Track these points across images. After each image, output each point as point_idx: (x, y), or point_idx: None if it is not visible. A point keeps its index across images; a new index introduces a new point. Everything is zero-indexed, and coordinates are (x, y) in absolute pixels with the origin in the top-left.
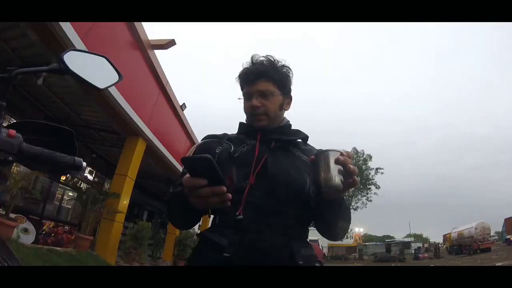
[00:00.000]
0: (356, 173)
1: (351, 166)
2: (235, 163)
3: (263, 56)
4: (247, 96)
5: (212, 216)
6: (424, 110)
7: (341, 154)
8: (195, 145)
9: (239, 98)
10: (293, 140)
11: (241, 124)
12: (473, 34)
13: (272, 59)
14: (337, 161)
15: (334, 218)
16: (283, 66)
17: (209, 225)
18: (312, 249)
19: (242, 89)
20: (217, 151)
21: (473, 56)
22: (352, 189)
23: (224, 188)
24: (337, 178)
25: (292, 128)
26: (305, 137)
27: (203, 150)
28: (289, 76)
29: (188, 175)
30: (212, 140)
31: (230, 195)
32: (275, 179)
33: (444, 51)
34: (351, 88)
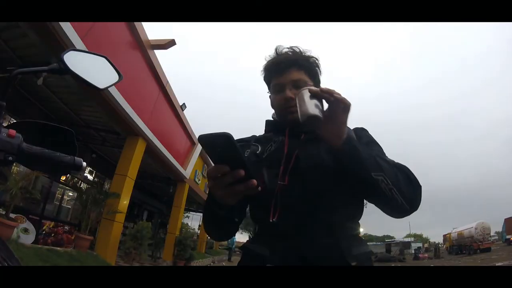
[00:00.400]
0: (333, 91)
1: (325, 88)
2: (264, 164)
3: (287, 47)
4: (278, 88)
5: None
6: (424, 110)
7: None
8: None
9: (268, 92)
10: None
11: (267, 122)
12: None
13: (299, 49)
14: (312, 95)
15: (363, 169)
16: (310, 56)
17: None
18: (367, 246)
19: (269, 81)
20: (245, 155)
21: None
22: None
23: (242, 172)
24: (312, 109)
25: None
26: None
27: None
28: (319, 66)
29: (212, 166)
30: (239, 145)
31: (254, 181)
32: (309, 174)
33: (444, 50)
34: (351, 88)
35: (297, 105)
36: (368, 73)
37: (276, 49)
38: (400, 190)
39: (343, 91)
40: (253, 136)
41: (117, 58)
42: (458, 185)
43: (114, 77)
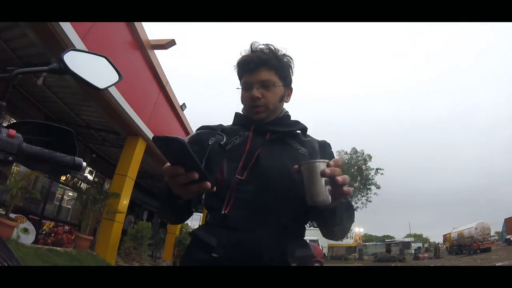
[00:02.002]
0: (347, 183)
1: (340, 179)
2: (226, 156)
3: (263, 44)
4: (247, 86)
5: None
6: (425, 111)
7: (328, 164)
8: (188, 136)
9: (237, 88)
10: (291, 132)
11: (237, 114)
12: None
13: (273, 48)
14: (323, 174)
15: (332, 221)
16: (284, 55)
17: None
18: (309, 249)
19: (240, 78)
20: (209, 143)
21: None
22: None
23: (196, 175)
24: (323, 193)
25: (292, 119)
26: (303, 128)
27: (196, 141)
28: (291, 66)
29: (168, 164)
30: (205, 131)
31: (208, 183)
32: (267, 173)
33: (442, 50)
34: (352, 88)
35: (305, 179)
36: (369, 71)
37: (251, 46)
38: (343, 231)
39: (344, 90)
40: (220, 125)
41: (117, 58)
42: (458, 185)
43: (114, 77)
